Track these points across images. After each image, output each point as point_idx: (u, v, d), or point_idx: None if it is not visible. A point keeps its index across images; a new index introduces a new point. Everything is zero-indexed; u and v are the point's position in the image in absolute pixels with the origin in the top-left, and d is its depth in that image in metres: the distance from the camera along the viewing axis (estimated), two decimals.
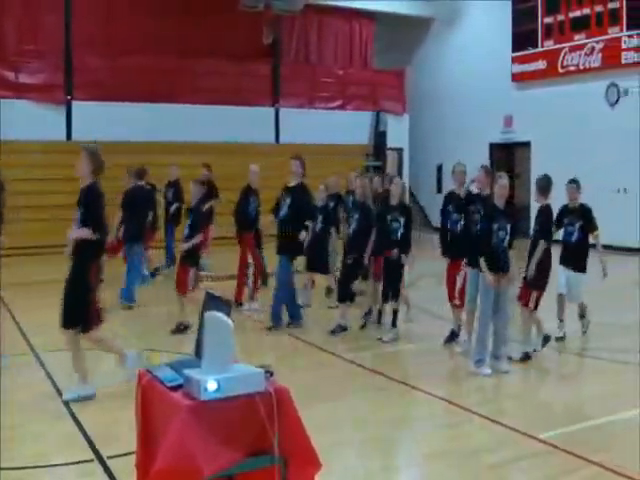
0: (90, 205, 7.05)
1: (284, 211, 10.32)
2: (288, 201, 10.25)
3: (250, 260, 11.88)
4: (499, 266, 8.16)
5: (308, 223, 10.56)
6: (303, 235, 10.38)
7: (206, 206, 12.54)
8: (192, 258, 10.12)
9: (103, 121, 18.91)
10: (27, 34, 20.21)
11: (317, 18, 24.77)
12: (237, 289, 11.78)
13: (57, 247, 12.72)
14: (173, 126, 19.87)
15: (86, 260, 7.01)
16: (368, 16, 25.66)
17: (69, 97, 19.87)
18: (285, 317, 10.56)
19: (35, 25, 20.29)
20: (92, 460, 5.76)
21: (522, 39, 22.65)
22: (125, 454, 5.24)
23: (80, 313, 7.05)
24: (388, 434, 6.57)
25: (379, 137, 24.51)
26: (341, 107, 24.35)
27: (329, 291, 12.72)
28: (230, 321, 3.91)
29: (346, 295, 10.23)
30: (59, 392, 7.48)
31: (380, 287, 10.34)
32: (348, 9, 24.62)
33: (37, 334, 9.87)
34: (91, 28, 20.53)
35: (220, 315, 3.93)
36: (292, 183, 10.45)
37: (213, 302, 4.17)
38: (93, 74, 20.31)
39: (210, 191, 13.49)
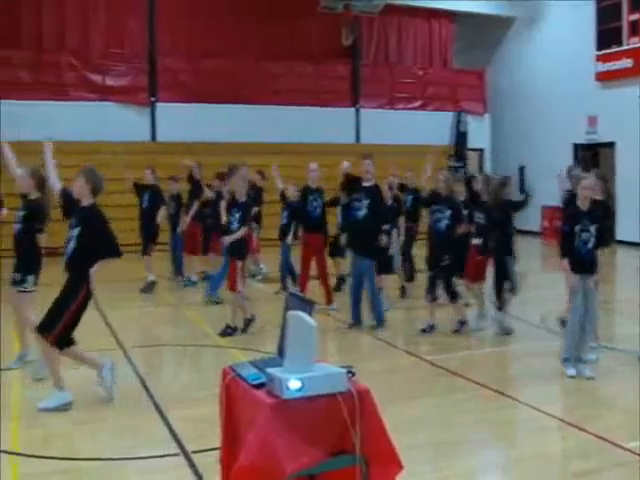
0: (93, 226, 6.88)
1: (363, 212, 10.17)
2: (366, 202, 10.12)
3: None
4: (583, 268, 8.00)
5: (386, 227, 10.54)
6: (385, 240, 10.35)
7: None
8: (240, 253, 10.03)
9: (186, 122, 19.28)
10: (113, 39, 20.71)
11: (396, 19, 24.67)
12: (325, 292, 11.76)
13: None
14: (254, 127, 20.07)
15: (81, 277, 6.84)
16: (448, 16, 25.45)
17: (153, 99, 20.28)
18: (365, 317, 10.54)
19: (120, 30, 20.79)
20: (178, 454, 5.87)
21: (606, 37, 22.11)
22: (209, 449, 5.32)
23: (54, 326, 6.83)
24: (471, 437, 6.49)
25: (460, 137, 24.32)
26: (421, 107, 24.24)
27: (403, 291, 12.72)
28: (313, 321, 3.94)
29: (455, 294, 10.12)
30: (145, 387, 7.67)
31: (478, 287, 10.41)
32: (427, 9, 24.45)
33: (124, 330, 10.22)
34: (174, 32, 20.92)
35: (303, 315, 3.96)
36: (368, 183, 10.29)
37: (296, 301, 4.21)
38: (176, 76, 20.71)
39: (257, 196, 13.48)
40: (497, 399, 7.46)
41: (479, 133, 24.58)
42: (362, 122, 22.84)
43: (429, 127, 23.10)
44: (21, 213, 7.91)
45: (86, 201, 6.94)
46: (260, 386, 4.05)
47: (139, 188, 13.52)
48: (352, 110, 22.89)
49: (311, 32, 22.28)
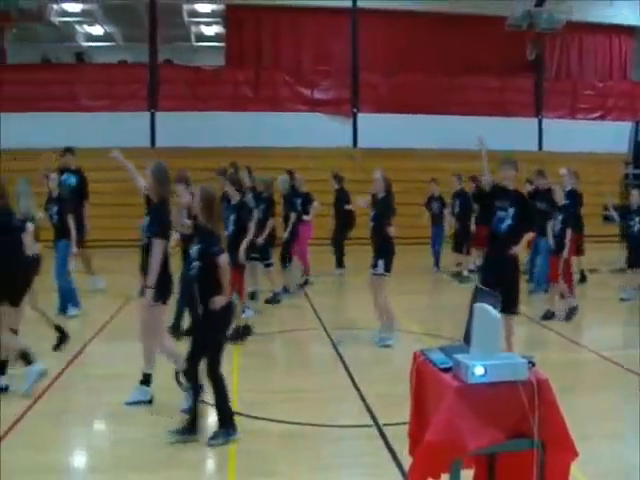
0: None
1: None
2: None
3: None
4: None
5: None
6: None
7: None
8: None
9: (383, 131, 19.40)
10: (320, 57, 21.20)
11: (577, 35, 23.61)
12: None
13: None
14: (444, 135, 19.86)
15: None
16: (627, 31, 24.09)
17: (355, 110, 20.58)
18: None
19: (327, 49, 21.25)
20: (371, 425, 5.96)
21: None
22: (399, 423, 5.32)
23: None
24: None
25: (638, 147, 22.96)
26: (601, 118, 23.10)
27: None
28: (498, 313, 3.88)
29: None
30: (342, 360, 7.85)
31: None
32: (607, 25, 23.27)
33: (326, 313, 10.55)
34: (373, 51, 21.09)
35: (488, 307, 3.93)
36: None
37: (483, 295, 4.16)
38: (375, 90, 20.91)
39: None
40: None
41: None
42: (545, 132, 22.07)
43: (608, 136, 21.93)
44: None
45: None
46: (447, 370, 4.04)
47: None
48: (535, 120, 22.18)
49: (498, 48, 21.78)
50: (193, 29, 26.55)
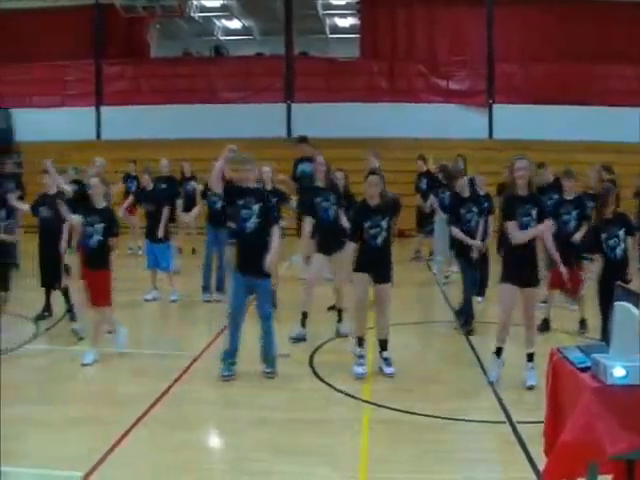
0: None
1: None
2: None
3: None
4: None
5: None
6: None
7: None
8: None
9: (519, 121, 18.95)
10: (455, 47, 20.93)
11: None
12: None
13: None
14: (583, 126, 19.15)
15: None
16: None
17: (491, 101, 20.23)
18: None
19: (462, 39, 20.94)
20: (504, 422, 5.91)
21: None
22: (533, 422, 5.28)
23: None
24: None
25: None
26: None
27: None
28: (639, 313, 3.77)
29: None
30: (476, 354, 7.80)
31: None
32: None
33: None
34: (509, 40, 20.61)
35: (630, 306, 3.81)
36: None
37: (624, 294, 4.05)
38: (510, 80, 20.45)
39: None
40: None
41: None
42: None
43: None
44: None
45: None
46: (585, 370, 3.95)
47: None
48: None
49: (631, 36, 20.75)
50: (328, 21, 26.83)
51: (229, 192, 7.37)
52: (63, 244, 9.12)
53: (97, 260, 7.88)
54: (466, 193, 9.11)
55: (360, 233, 7.14)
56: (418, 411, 6.18)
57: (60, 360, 8.16)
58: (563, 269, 7.52)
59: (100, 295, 7.88)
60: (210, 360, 7.84)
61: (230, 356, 7.19)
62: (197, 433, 5.98)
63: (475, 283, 9.29)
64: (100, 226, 7.81)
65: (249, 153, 7.52)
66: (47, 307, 9.65)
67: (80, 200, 9.06)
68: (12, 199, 9.21)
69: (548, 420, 4.37)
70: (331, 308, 9.31)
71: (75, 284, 8.92)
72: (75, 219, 8.03)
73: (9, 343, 8.26)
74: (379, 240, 7.12)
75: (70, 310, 9.41)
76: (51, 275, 9.35)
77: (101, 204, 7.97)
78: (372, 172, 7.31)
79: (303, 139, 12.27)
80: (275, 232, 7.12)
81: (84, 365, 7.63)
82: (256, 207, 7.09)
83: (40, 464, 5.14)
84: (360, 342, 7.23)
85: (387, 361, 7.26)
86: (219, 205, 10.64)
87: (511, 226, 6.82)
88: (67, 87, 21.31)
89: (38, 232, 9.49)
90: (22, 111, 20.87)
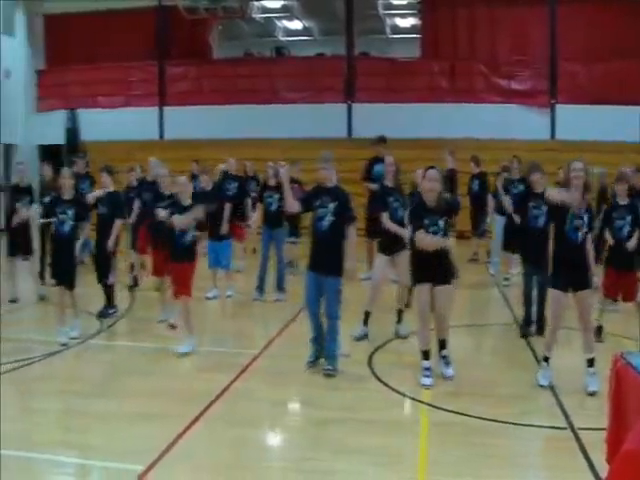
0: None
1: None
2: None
3: None
4: None
5: None
6: None
7: None
8: None
9: (582, 122, 18.60)
10: (517, 47, 20.65)
11: None
12: None
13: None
14: None
15: None
16: None
17: (553, 101, 19.91)
18: None
19: (524, 39, 20.65)
20: (565, 428, 5.83)
21: None
22: (595, 429, 5.20)
23: None
24: None
25: None
26: None
27: None
28: None
29: None
30: (535, 356, 7.70)
31: None
32: None
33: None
34: (572, 39, 20.24)
35: None
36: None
37: None
38: (574, 80, 20.08)
39: None
40: None
41: None
42: None
43: None
44: None
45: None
46: None
47: None
48: None
49: None
50: (388, 21, 26.75)
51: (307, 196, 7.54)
52: (111, 243, 9.48)
53: (187, 253, 8.18)
54: (539, 189, 8.83)
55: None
56: (477, 414, 6.15)
57: (124, 355, 8.37)
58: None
59: (183, 285, 8.14)
60: (270, 358, 7.95)
61: (314, 342, 7.43)
62: (257, 431, 6.05)
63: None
64: None
65: (328, 152, 7.53)
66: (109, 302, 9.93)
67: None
68: (90, 199, 9.44)
69: (611, 427, 4.31)
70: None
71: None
72: (175, 218, 8.27)
73: (74, 337, 8.53)
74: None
75: (109, 307, 9.72)
76: (100, 271, 9.73)
77: (187, 201, 8.30)
78: (431, 167, 7.16)
79: (381, 139, 12.27)
80: (351, 232, 7.21)
81: (180, 354, 7.95)
82: (331, 206, 7.20)
83: (101, 457, 5.30)
84: (425, 355, 7.11)
85: (446, 359, 7.22)
86: (275, 206, 10.86)
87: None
88: (131, 88, 21.76)
89: (95, 229, 9.82)
90: (88, 111, 21.41)
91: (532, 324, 8.88)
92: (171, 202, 8.60)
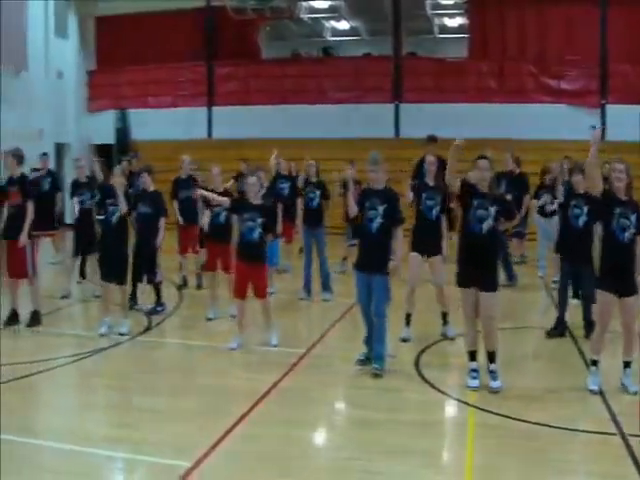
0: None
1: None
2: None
3: None
4: None
5: None
6: None
7: None
8: None
9: (633, 123, 18.24)
10: (566, 47, 20.38)
11: None
12: None
13: None
14: None
15: None
16: None
17: (603, 102, 19.61)
18: None
19: (573, 39, 20.35)
20: (615, 434, 5.74)
21: None
22: None
23: None
24: None
25: None
26: None
27: None
28: None
29: None
30: (584, 359, 7.59)
31: None
32: None
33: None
34: (622, 39, 19.90)
35: None
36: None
37: None
38: (625, 80, 19.75)
39: None
40: None
41: None
42: None
43: None
44: None
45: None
46: None
47: None
48: None
49: None
50: (436, 21, 26.60)
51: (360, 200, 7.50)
52: (158, 241, 9.66)
53: (258, 253, 8.28)
54: (581, 189, 8.69)
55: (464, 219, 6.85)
56: (524, 417, 6.10)
57: (172, 352, 8.49)
58: None
59: (261, 289, 8.34)
60: (316, 357, 7.98)
61: (367, 343, 7.49)
62: (302, 430, 6.08)
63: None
64: (260, 221, 8.21)
65: (376, 153, 7.55)
66: (133, 297, 10.07)
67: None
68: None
69: None
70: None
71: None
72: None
73: (123, 334, 8.68)
74: (484, 227, 6.75)
75: (158, 304, 9.91)
76: (143, 270, 9.89)
77: (257, 200, 8.35)
78: (482, 156, 7.05)
79: (432, 139, 12.19)
80: (399, 234, 7.27)
81: (230, 349, 8.11)
82: (381, 208, 7.25)
83: (149, 452, 5.38)
84: (472, 356, 7.03)
85: (493, 374, 6.93)
86: (316, 202, 10.96)
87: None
88: (180, 88, 22.02)
89: (135, 227, 9.95)
90: (138, 111, 21.73)
91: (564, 325, 8.86)
92: (241, 202, 8.62)
